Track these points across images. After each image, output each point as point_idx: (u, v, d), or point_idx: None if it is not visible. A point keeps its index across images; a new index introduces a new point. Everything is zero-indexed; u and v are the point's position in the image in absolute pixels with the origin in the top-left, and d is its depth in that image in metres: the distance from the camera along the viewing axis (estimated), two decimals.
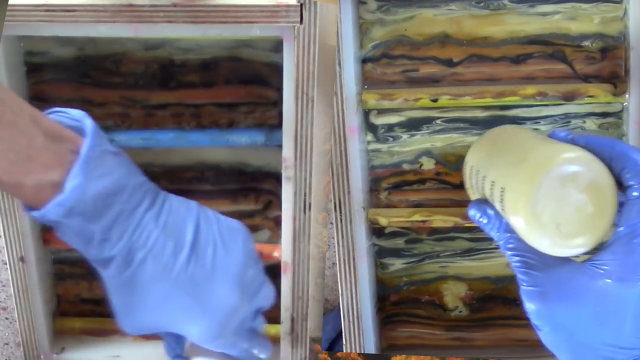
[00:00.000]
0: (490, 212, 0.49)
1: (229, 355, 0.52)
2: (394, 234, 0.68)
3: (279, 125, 0.62)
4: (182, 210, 0.47)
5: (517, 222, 0.46)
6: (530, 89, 0.63)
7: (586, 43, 0.64)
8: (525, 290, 0.46)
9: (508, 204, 0.47)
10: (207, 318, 0.47)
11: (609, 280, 0.44)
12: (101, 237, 0.44)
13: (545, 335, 0.46)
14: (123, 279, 0.46)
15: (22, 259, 0.66)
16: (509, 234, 0.47)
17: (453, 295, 0.69)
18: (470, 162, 0.57)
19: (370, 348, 0.68)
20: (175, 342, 0.53)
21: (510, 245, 0.47)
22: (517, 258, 0.46)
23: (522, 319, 0.69)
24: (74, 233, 0.45)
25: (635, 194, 0.45)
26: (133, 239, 0.45)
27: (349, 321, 0.67)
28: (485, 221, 0.49)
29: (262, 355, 0.53)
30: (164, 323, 0.47)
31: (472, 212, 0.51)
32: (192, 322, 0.47)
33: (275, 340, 0.69)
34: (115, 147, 0.46)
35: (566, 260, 0.46)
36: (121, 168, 0.45)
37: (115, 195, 0.44)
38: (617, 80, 0.63)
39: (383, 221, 0.66)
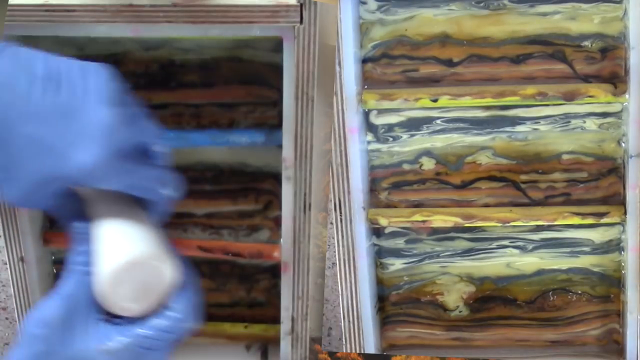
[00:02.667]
0: None
1: (133, 205, 0.47)
2: (394, 234, 0.68)
3: (279, 125, 0.62)
4: (27, 50, 0.45)
5: None
6: (530, 89, 0.63)
7: (586, 43, 0.64)
8: None
9: None
10: (86, 140, 0.43)
11: None
12: None
13: None
14: None
15: (22, 259, 0.66)
16: None
17: (453, 295, 0.69)
18: None
19: (370, 348, 0.68)
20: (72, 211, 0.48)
21: None
22: None
23: (522, 319, 0.69)
24: None
25: None
26: None
27: (349, 321, 0.67)
28: None
29: (165, 189, 0.48)
30: (45, 171, 0.43)
31: None
32: (71, 152, 0.43)
33: (275, 340, 0.69)
34: None
35: None
36: None
37: None
38: (617, 80, 0.63)
39: (383, 221, 0.66)
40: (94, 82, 0.45)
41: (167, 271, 0.44)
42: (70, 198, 0.47)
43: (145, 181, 0.46)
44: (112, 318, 0.45)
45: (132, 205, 0.47)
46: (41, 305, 0.45)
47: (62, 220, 0.48)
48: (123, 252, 0.44)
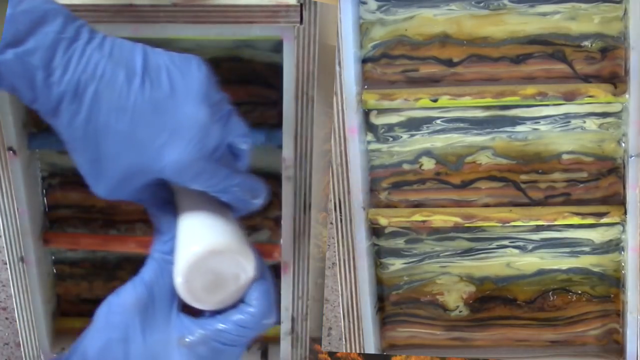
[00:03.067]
0: None
1: (219, 201, 0.47)
2: (394, 234, 0.68)
3: (279, 125, 0.62)
4: (127, 43, 0.44)
5: None
6: (530, 89, 0.63)
7: (586, 43, 0.64)
8: None
9: None
10: (180, 138, 0.43)
11: None
12: (44, 73, 0.41)
13: None
14: (80, 122, 0.42)
15: (22, 259, 0.66)
16: None
17: (453, 295, 0.69)
18: None
19: (370, 348, 0.68)
20: (160, 211, 0.48)
21: None
22: None
23: (522, 319, 0.69)
24: (15, 72, 0.41)
25: None
26: (79, 70, 0.42)
27: (349, 321, 0.67)
28: None
29: (256, 199, 0.48)
30: (136, 165, 0.43)
31: None
32: (165, 149, 0.43)
33: (275, 340, 0.69)
34: None
35: None
36: (49, 3, 0.42)
37: (46, 23, 0.41)
38: (617, 80, 0.63)
39: (383, 221, 0.66)
40: (192, 78, 0.44)
41: (246, 264, 0.44)
42: (159, 187, 0.47)
43: (236, 189, 0.46)
44: (192, 312, 0.45)
45: (218, 202, 0.46)
46: (120, 290, 0.44)
47: (148, 209, 0.48)
48: (203, 241, 0.43)
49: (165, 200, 0.47)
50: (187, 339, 0.44)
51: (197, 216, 0.46)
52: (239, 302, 0.45)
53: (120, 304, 0.44)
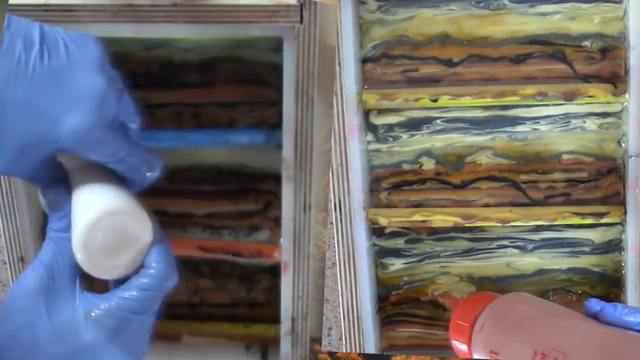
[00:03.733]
0: None
1: (114, 175, 0.47)
2: (394, 234, 0.68)
3: (279, 125, 0.62)
4: (23, 20, 0.44)
5: None
6: (530, 89, 0.63)
7: (586, 43, 0.64)
8: None
9: None
10: (79, 106, 0.43)
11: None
12: None
13: None
14: None
15: (22, 259, 0.66)
16: None
17: (453, 295, 0.69)
18: None
19: (370, 348, 0.68)
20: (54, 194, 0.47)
21: None
22: None
23: None
24: None
25: None
26: None
27: (349, 321, 0.67)
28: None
29: (151, 172, 0.48)
30: (34, 134, 0.43)
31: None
32: (63, 116, 0.43)
33: (275, 340, 0.69)
34: None
35: None
36: None
37: None
38: (617, 80, 0.63)
39: (383, 221, 0.66)
40: (89, 51, 0.45)
41: (141, 226, 0.44)
42: (53, 166, 0.47)
43: (133, 159, 0.46)
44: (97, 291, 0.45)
45: (112, 176, 0.47)
46: (21, 275, 0.44)
47: (43, 188, 0.47)
48: (97, 206, 0.43)
49: (59, 179, 0.47)
50: (92, 314, 0.43)
51: (91, 188, 0.46)
52: (139, 268, 0.45)
53: (22, 289, 0.43)
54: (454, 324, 0.61)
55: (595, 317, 0.53)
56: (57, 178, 0.47)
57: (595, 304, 0.53)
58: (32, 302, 0.43)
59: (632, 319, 0.51)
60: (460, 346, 0.60)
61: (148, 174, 0.47)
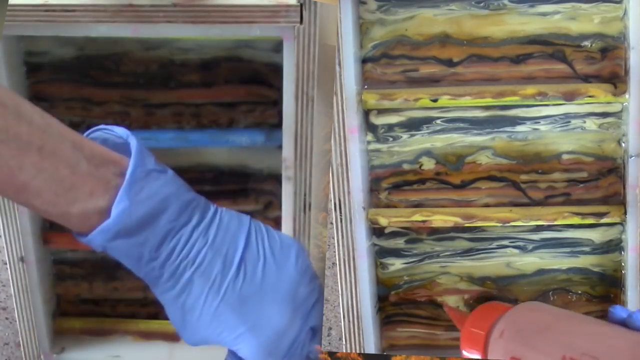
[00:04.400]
0: None
1: None
2: (394, 234, 0.68)
3: (279, 125, 0.62)
4: (233, 225, 0.46)
5: None
6: (530, 89, 0.63)
7: (586, 43, 0.64)
8: None
9: None
10: (255, 338, 0.46)
11: None
12: (149, 256, 0.43)
13: None
14: (172, 296, 0.45)
15: (22, 259, 0.66)
16: None
17: (453, 295, 0.69)
18: None
19: (370, 348, 0.68)
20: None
21: None
22: None
23: None
24: (122, 254, 0.44)
25: None
26: (181, 257, 0.44)
27: (349, 321, 0.67)
28: None
29: None
30: (217, 339, 0.46)
31: None
32: (240, 341, 0.46)
33: None
34: (161, 165, 0.45)
35: None
36: (167, 187, 0.44)
37: (162, 214, 0.43)
38: (617, 80, 0.63)
39: (383, 221, 0.66)
40: (286, 274, 0.47)
41: None
42: None
43: None
44: None
45: None
46: None
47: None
48: None
49: None
50: None
51: None
52: None
53: None
54: (467, 332, 0.61)
55: (623, 323, 0.53)
56: None
57: (621, 311, 0.53)
58: None
59: None
60: (472, 355, 0.60)
61: None
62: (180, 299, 0.45)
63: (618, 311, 0.53)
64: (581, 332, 0.53)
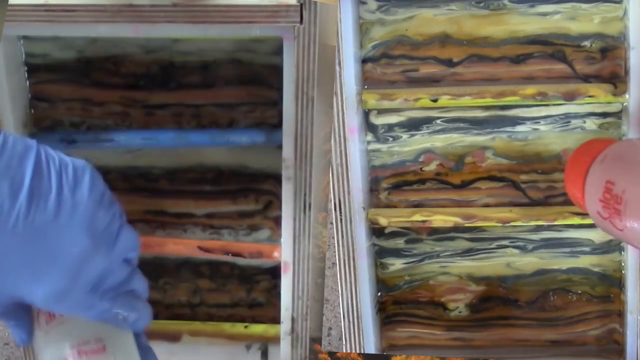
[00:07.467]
0: None
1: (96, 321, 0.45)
2: (394, 234, 0.68)
3: (279, 125, 0.62)
4: (19, 147, 0.40)
5: None
6: (530, 89, 0.63)
7: (586, 43, 0.64)
8: None
9: None
10: (55, 269, 0.41)
11: None
12: None
13: None
14: None
15: None
16: None
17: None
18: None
19: (370, 348, 0.68)
20: (19, 323, 0.46)
21: None
22: None
23: (522, 319, 0.69)
24: None
25: None
26: None
27: (349, 321, 0.67)
28: None
29: (138, 322, 0.46)
30: (4, 286, 0.41)
31: None
32: (35, 278, 0.41)
33: (275, 340, 0.69)
34: None
35: None
36: None
37: None
38: (617, 80, 0.63)
39: (383, 221, 0.66)
40: (81, 200, 0.42)
41: None
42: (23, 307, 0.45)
43: (119, 317, 0.45)
44: None
45: None
46: None
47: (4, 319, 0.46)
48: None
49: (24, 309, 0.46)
50: None
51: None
52: None
53: None
54: (572, 160, 0.59)
55: None
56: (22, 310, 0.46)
57: None
58: None
59: None
60: (573, 187, 0.58)
61: (135, 325, 0.46)
62: None
63: None
64: None
